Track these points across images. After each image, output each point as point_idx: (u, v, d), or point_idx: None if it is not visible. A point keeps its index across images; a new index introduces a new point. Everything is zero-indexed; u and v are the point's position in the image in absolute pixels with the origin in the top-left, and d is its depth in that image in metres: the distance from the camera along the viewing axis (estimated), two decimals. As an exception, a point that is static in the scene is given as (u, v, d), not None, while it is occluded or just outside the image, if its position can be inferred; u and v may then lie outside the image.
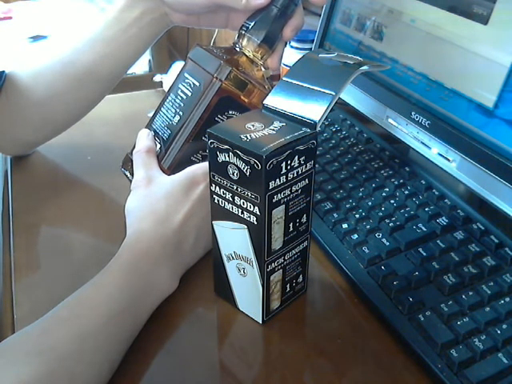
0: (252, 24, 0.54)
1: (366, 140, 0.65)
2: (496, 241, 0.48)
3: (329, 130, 0.69)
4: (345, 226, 0.52)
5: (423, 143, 0.57)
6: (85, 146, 0.71)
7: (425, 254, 0.48)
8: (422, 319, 0.42)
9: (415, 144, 0.58)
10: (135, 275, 0.44)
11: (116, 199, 0.61)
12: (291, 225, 0.42)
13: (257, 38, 0.53)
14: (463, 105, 0.52)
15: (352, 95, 0.67)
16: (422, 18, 0.57)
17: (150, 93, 0.89)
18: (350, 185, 0.57)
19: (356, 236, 0.51)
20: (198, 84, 0.52)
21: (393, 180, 0.57)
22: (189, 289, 0.48)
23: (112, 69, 0.62)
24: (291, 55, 0.82)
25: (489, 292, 0.43)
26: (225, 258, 0.44)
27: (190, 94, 0.53)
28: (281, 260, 0.43)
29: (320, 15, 0.73)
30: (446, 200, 0.54)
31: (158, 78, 0.88)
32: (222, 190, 0.41)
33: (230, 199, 0.41)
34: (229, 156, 0.39)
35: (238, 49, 0.55)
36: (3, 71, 0.61)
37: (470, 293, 0.44)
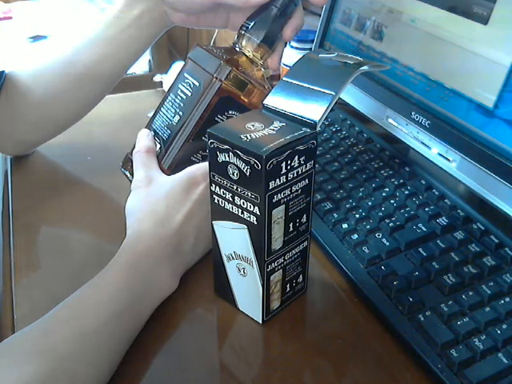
0: (252, 24, 0.54)
1: (366, 140, 0.65)
2: (496, 241, 0.48)
3: (329, 130, 0.69)
4: (345, 226, 0.52)
5: (423, 143, 0.56)
6: (85, 146, 0.72)
7: (425, 253, 0.48)
8: (422, 319, 0.42)
9: (415, 144, 0.58)
10: (135, 275, 0.44)
11: (116, 199, 0.61)
12: (291, 225, 0.42)
13: (256, 37, 0.53)
14: (463, 105, 0.52)
15: (352, 95, 0.67)
16: (422, 18, 0.57)
17: (149, 93, 0.89)
18: (350, 185, 0.57)
19: (356, 236, 0.51)
20: (197, 84, 0.52)
21: (393, 180, 0.57)
22: (189, 289, 0.48)
23: (112, 69, 0.62)
24: (291, 55, 0.82)
25: (489, 292, 0.43)
26: (225, 258, 0.44)
27: (189, 93, 0.53)
28: (281, 260, 0.43)
29: (320, 15, 0.73)
30: (446, 200, 0.54)
31: (157, 77, 0.88)
32: (221, 190, 0.41)
33: (230, 199, 0.41)
34: (229, 156, 0.39)
35: (237, 49, 0.55)
36: (3, 71, 0.61)
37: (470, 293, 0.44)
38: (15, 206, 0.61)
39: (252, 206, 0.39)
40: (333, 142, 0.66)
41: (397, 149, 0.63)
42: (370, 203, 0.54)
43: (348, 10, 0.69)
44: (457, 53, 0.53)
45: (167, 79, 0.87)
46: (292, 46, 0.83)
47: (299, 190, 0.41)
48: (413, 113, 0.57)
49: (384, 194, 0.55)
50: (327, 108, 0.40)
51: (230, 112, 0.52)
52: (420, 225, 0.51)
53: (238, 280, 0.44)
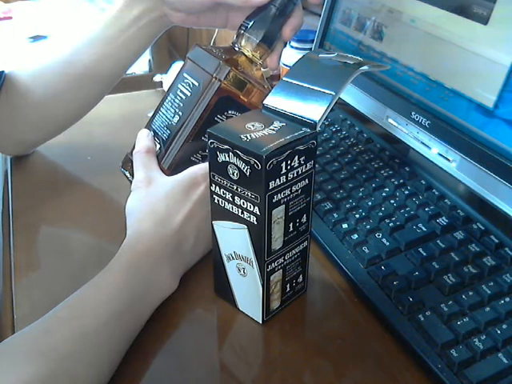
0: (251, 23, 0.54)
1: (366, 140, 0.65)
2: (496, 241, 0.48)
3: (329, 130, 0.69)
4: (345, 226, 0.52)
5: (423, 143, 0.56)
6: (85, 146, 0.72)
7: (425, 253, 0.48)
8: (422, 319, 0.42)
9: (415, 144, 0.58)
10: (135, 275, 0.44)
11: (116, 199, 0.61)
12: (291, 225, 0.42)
13: (256, 37, 0.53)
14: (463, 105, 0.52)
15: (352, 95, 0.67)
16: (422, 18, 0.57)
17: (149, 93, 0.89)
18: (350, 185, 0.57)
19: (356, 236, 0.51)
20: (197, 84, 0.52)
21: (393, 180, 0.57)
22: (189, 289, 0.48)
23: (111, 69, 0.62)
24: (291, 55, 0.82)
25: (489, 292, 0.43)
26: (225, 258, 0.44)
27: (189, 93, 0.53)
28: (281, 260, 0.43)
29: (320, 15, 0.73)
30: (446, 200, 0.54)
31: (157, 78, 0.88)
32: (222, 190, 0.41)
33: (230, 199, 0.41)
34: (229, 156, 0.39)
35: (236, 48, 0.55)
36: (3, 71, 0.61)
37: (470, 293, 0.44)
38: (15, 206, 0.61)
39: (252, 206, 0.39)
40: (333, 141, 0.66)
41: (397, 149, 0.63)
42: (369, 203, 0.54)
43: (348, 10, 0.69)
44: (457, 53, 0.53)
45: (167, 79, 0.87)
46: (292, 46, 0.83)
47: (299, 190, 0.41)
48: (413, 113, 0.57)
49: (384, 194, 0.55)
50: (327, 108, 0.40)
51: (230, 112, 0.52)
52: (420, 225, 0.51)
53: (238, 280, 0.44)
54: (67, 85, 0.62)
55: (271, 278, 0.43)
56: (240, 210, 0.40)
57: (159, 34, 0.62)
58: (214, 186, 0.42)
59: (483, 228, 0.50)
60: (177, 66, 0.92)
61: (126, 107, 0.84)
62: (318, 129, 0.40)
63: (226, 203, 0.41)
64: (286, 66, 0.83)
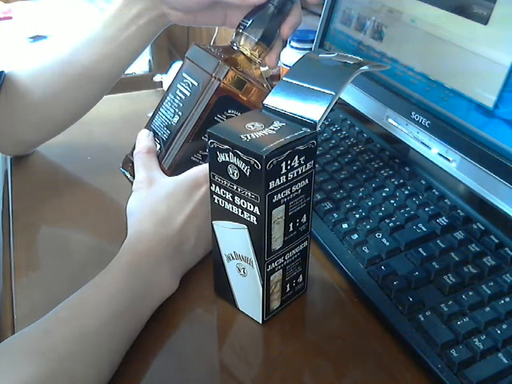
0: (249, 22, 0.54)
1: (366, 140, 0.65)
2: (496, 241, 0.48)
3: (329, 130, 0.69)
4: (345, 226, 0.52)
5: (423, 143, 0.56)
6: (85, 146, 0.71)
7: (425, 253, 0.48)
8: (422, 319, 0.42)
9: (415, 144, 0.58)
10: (136, 276, 0.44)
11: (116, 199, 0.61)
12: (291, 225, 0.42)
13: (254, 36, 0.53)
14: (463, 105, 0.52)
15: (352, 95, 0.67)
16: (422, 18, 0.57)
17: (149, 93, 0.89)
18: (350, 185, 0.57)
19: (356, 236, 0.51)
20: (196, 84, 0.52)
21: (393, 180, 0.57)
22: (189, 289, 0.48)
23: (111, 68, 0.62)
24: (291, 55, 0.82)
25: (489, 292, 0.43)
26: (225, 258, 0.44)
27: (188, 93, 0.53)
28: (281, 260, 0.43)
29: (320, 15, 0.73)
30: (446, 200, 0.54)
31: (157, 78, 0.88)
32: (222, 190, 0.41)
33: (230, 199, 0.41)
34: (229, 156, 0.39)
35: (235, 48, 0.55)
36: (2, 71, 0.61)
37: (470, 293, 0.44)
38: (15, 205, 0.61)
39: (252, 206, 0.39)
40: (333, 141, 0.66)
41: (397, 149, 0.63)
42: (369, 203, 0.54)
43: (348, 10, 0.69)
44: (457, 53, 0.53)
45: (167, 79, 0.87)
46: (292, 46, 0.83)
47: (299, 190, 0.41)
48: (413, 113, 0.57)
49: (384, 194, 0.55)
50: (327, 108, 0.40)
51: (230, 111, 0.52)
52: (420, 225, 0.51)
53: (238, 280, 0.44)
54: (66, 85, 0.62)
55: (271, 278, 0.43)
56: (240, 210, 0.40)
57: (158, 33, 0.62)
58: (213, 186, 0.42)
59: (483, 228, 0.50)
60: (177, 66, 0.92)
61: (126, 107, 0.84)
62: (318, 129, 0.40)
63: (226, 203, 0.41)
64: (286, 65, 0.83)
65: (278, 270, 0.43)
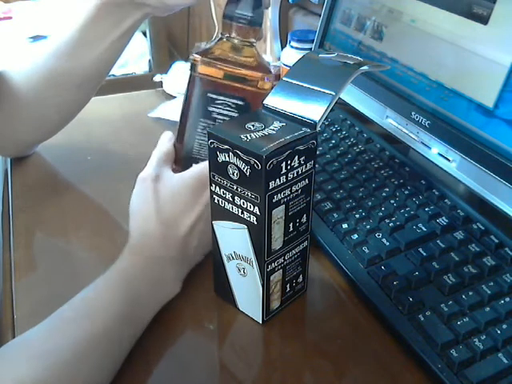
0: (235, 11, 0.53)
1: (366, 140, 0.65)
2: (496, 241, 0.48)
3: (329, 130, 0.69)
4: (345, 226, 0.52)
5: (423, 143, 0.56)
6: (84, 146, 0.72)
7: (425, 254, 0.48)
8: (422, 319, 0.42)
9: (415, 144, 0.58)
10: (139, 278, 0.44)
11: (116, 199, 0.61)
12: (291, 225, 0.42)
13: (244, 24, 0.53)
14: (463, 105, 0.52)
15: (352, 95, 0.67)
16: (422, 18, 0.57)
17: (149, 93, 0.89)
18: (350, 185, 0.57)
19: (356, 236, 0.51)
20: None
21: (393, 180, 0.57)
22: (189, 289, 0.48)
23: (96, 71, 0.62)
24: (291, 55, 0.82)
25: (489, 292, 0.43)
26: (225, 258, 0.44)
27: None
28: (281, 260, 0.43)
29: (320, 15, 0.73)
30: (446, 200, 0.54)
31: (157, 78, 0.88)
32: (222, 190, 0.41)
33: (230, 199, 0.41)
34: (229, 156, 0.39)
35: (225, 39, 0.54)
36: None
37: (470, 293, 0.44)
38: (15, 206, 0.61)
39: (252, 206, 0.39)
40: (333, 141, 0.66)
41: (397, 149, 0.63)
42: (369, 203, 0.54)
43: (348, 10, 0.69)
44: (457, 53, 0.53)
45: (167, 79, 0.87)
46: (292, 46, 0.83)
47: (299, 190, 0.41)
48: (413, 113, 0.57)
49: (384, 194, 0.55)
50: (327, 108, 0.40)
51: (221, 98, 0.53)
52: (420, 225, 0.51)
53: (238, 280, 0.44)
54: (52, 89, 0.61)
55: (271, 277, 0.43)
56: (240, 210, 0.40)
57: (139, 26, 0.62)
58: (213, 185, 0.42)
59: (483, 228, 0.50)
60: (177, 66, 0.92)
61: (126, 107, 0.84)
62: (318, 129, 0.40)
63: (226, 203, 0.41)
64: (286, 65, 0.83)
65: (278, 269, 0.43)
